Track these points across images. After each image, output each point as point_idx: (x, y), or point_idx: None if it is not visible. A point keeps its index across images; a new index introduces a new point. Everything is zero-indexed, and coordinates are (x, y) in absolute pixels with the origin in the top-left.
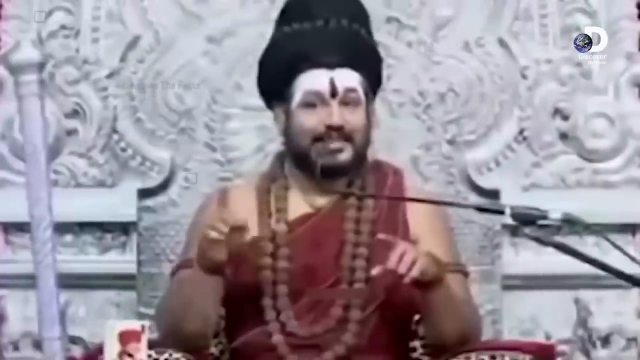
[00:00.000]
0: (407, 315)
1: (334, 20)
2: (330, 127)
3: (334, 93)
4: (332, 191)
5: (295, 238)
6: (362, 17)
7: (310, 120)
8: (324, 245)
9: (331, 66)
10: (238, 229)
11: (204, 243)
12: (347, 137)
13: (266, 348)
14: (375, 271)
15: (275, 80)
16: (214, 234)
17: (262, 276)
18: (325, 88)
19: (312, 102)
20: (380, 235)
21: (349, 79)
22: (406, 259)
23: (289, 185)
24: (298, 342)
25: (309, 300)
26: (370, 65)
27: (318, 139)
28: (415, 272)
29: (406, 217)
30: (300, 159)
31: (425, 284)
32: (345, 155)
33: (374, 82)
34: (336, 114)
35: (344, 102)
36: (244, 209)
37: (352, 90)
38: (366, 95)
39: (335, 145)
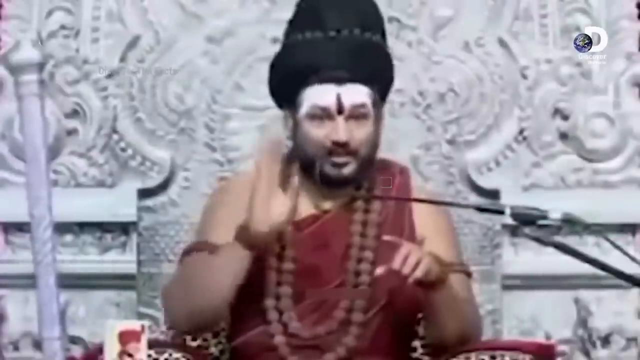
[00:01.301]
0: (409, 318)
1: (346, 31)
2: (335, 143)
3: (340, 110)
4: (339, 194)
5: (301, 239)
6: (375, 22)
7: (316, 133)
8: (330, 247)
9: (340, 82)
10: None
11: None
12: (353, 152)
13: (267, 348)
14: (379, 271)
15: (284, 86)
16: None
17: (266, 276)
18: (332, 104)
19: (318, 115)
20: (386, 237)
21: (357, 95)
22: (410, 261)
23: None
24: (299, 343)
25: (311, 302)
26: (381, 74)
27: (326, 153)
28: (419, 273)
29: (412, 218)
30: (306, 166)
31: (428, 284)
32: (350, 169)
33: (384, 88)
34: (342, 131)
35: (352, 117)
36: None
37: (360, 106)
38: (375, 104)
39: (340, 160)
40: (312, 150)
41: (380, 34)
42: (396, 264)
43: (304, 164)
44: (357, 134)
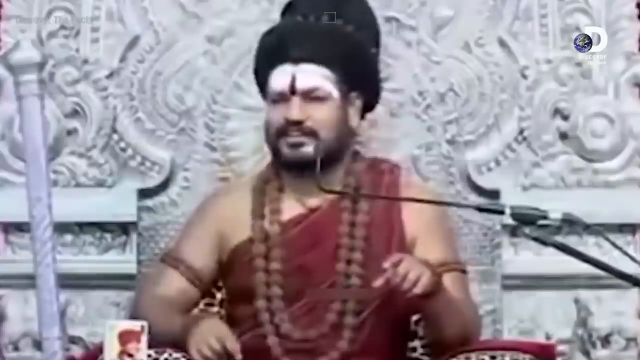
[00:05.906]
0: (404, 317)
1: (313, 17)
2: (288, 122)
3: (293, 90)
4: (325, 191)
5: (289, 239)
6: (355, 16)
7: (274, 115)
8: (318, 246)
9: (296, 61)
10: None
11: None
12: (310, 132)
13: (260, 351)
14: (377, 283)
15: (259, 77)
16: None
17: (255, 278)
18: (286, 86)
19: (277, 100)
20: (386, 264)
21: (312, 75)
22: (410, 277)
23: (283, 186)
24: (292, 345)
25: (304, 304)
26: (350, 61)
27: (281, 134)
28: (417, 290)
29: (401, 217)
30: (275, 155)
31: (423, 295)
32: (308, 150)
33: (357, 79)
34: (295, 109)
35: (308, 98)
36: (239, 210)
37: (314, 88)
38: (343, 91)
39: (295, 139)
40: (273, 136)
41: (366, 31)
42: (396, 279)
43: (274, 154)
44: (315, 114)
